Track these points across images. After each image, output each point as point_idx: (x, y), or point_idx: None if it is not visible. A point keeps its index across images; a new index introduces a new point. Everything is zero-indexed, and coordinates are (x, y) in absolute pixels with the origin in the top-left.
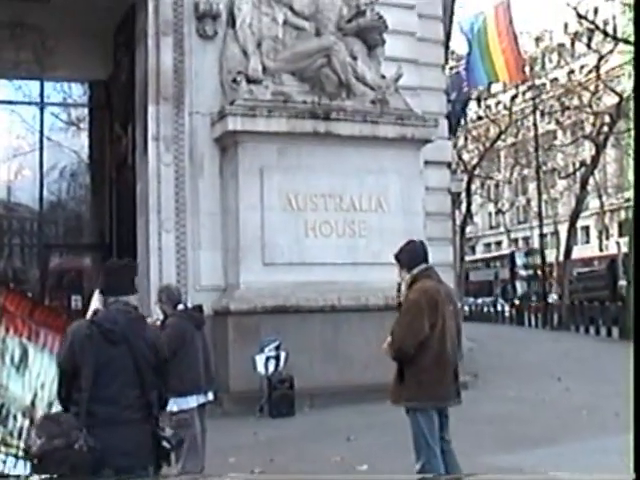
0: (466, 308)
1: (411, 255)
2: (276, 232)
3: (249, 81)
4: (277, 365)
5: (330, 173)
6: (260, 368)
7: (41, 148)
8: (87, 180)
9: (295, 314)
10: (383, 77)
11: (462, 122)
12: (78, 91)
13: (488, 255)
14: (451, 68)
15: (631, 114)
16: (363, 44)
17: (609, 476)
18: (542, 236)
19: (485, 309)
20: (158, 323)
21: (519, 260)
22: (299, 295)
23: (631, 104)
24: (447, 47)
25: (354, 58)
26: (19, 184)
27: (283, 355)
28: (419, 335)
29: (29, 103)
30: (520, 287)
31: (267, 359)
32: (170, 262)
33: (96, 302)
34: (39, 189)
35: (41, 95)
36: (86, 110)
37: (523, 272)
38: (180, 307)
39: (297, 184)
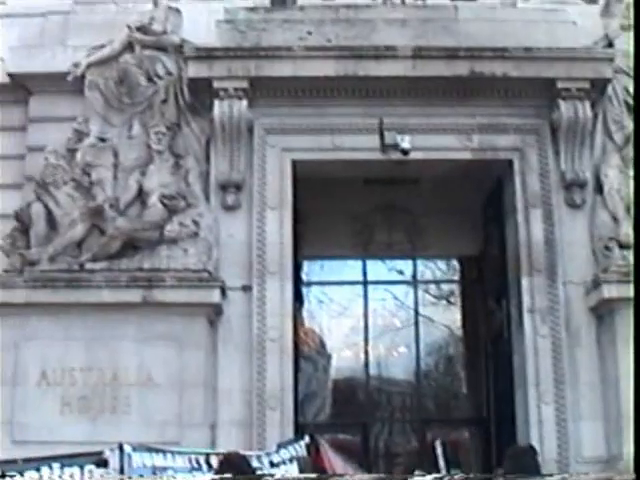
0: None
1: None
2: None
3: (621, 247)
4: None
5: None
6: None
7: (416, 324)
8: (460, 354)
9: None
10: None
11: None
12: (448, 267)
13: None
14: None
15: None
16: None
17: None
18: None
19: None
20: None
21: None
22: None
23: None
24: None
25: None
26: (392, 359)
27: None
28: None
29: (403, 282)
30: None
31: None
32: (551, 434)
33: None
34: (415, 364)
35: (414, 273)
36: (456, 285)
37: None
38: None
39: None
